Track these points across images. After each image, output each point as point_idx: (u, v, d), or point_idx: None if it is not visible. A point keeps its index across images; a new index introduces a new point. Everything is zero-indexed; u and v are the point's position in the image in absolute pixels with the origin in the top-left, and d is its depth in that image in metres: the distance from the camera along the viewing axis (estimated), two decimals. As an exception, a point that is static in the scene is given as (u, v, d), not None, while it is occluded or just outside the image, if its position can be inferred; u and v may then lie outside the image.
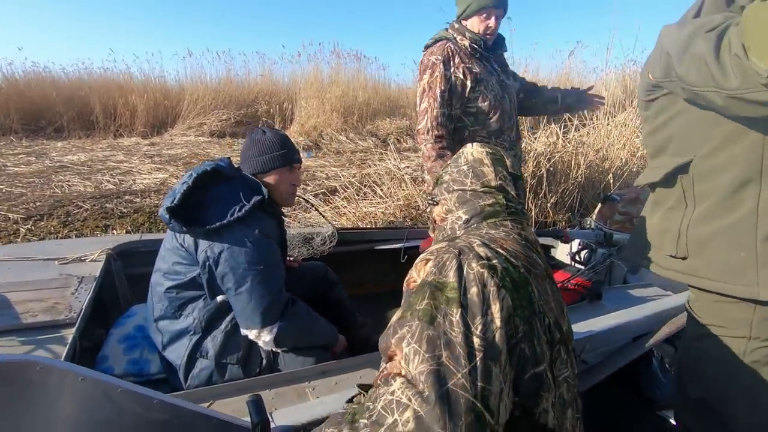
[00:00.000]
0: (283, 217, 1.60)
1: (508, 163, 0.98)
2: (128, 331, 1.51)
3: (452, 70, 1.77)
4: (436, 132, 1.78)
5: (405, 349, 0.64)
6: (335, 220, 3.54)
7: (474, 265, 0.70)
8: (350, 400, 0.84)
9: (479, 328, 0.64)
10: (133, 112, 8.12)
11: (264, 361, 1.37)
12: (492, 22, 1.75)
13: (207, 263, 1.27)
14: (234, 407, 1.01)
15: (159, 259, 1.42)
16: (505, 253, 0.75)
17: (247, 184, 1.39)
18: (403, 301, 0.79)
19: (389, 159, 4.44)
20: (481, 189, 0.92)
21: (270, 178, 1.43)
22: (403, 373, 0.63)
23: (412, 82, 9.88)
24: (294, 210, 3.81)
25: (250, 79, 9.30)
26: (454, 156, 1.02)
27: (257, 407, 0.73)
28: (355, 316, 1.89)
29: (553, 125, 3.89)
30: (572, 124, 4.07)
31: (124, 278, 1.97)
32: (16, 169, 5.08)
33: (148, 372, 1.40)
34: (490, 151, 0.97)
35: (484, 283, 0.68)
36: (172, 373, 1.35)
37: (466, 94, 1.79)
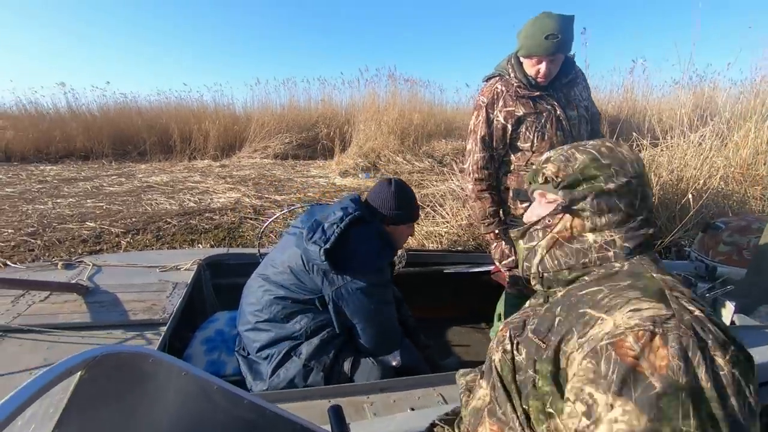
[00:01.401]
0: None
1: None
2: (210, 334, 1.68)
3: (495, 113, 1.79)
4: (476, 175, 1.85)
5: None
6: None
7: (721, 361, 0.54)
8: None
9: None
10: (206, 137, 8.83)
11: (342, 375, 1.47)
12: (543, 68, 1.67)
13: (340, 300, 1.41)
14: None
15: (270, 267, 1.54)
16: (713, 328, 0.57)
17: (383, 235, 1.52)
18: (605, 365, 0.58)
19: (452, 179, 4.49)
20: (645, 216, 0.74)
21: (400, 229, 1.59)
22: None
23: (466, 104, 10.00)
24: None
25: (311, 105, 9.84)
26: (610, 154, 0.76)
27: (337, 416, 0.74)
28: (419, 336, 1.95)
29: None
30: (644, 144, 3.93)
31: (211, 287, 2.17)
32: (111, 188, 5.67)
33: (224, 372, 1.54)
34: (643, 164, 0.77)
35: (739, 390, 0.52)
36: (254, 372, 1.46)
37: (508, 136, 1.79)
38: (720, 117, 4.50)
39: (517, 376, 0.70)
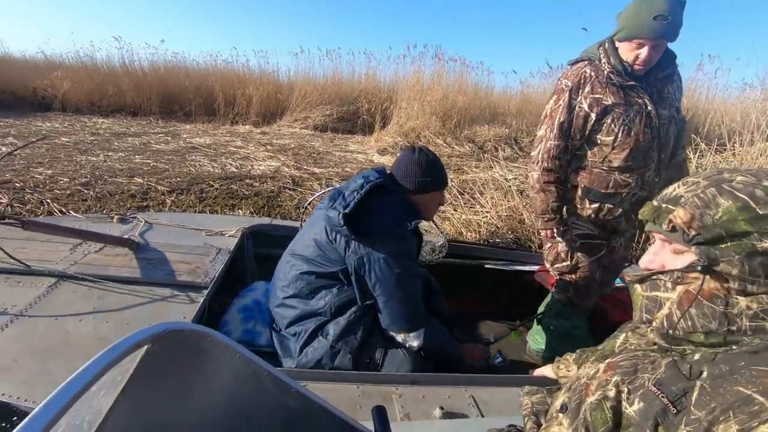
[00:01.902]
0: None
1: None
2: (248, 303, 1.69)
3: (579, 99, 1.64)
4: (546, 164, 1.71)
5: None
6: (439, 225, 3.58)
7: None
8: None
9: None
10: (249, 102, 8.93)
11: (370, 361, 1.45)
12: (644, 53, 1.53)
13: (362, 269, 1.38)
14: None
15: (299, 243, 1.54)
16: None
17: (407, 202, 1.48)
18: None
19: (496, 168, 4.37)
20: None
21: (426, 198, 1.52)
22: None
23: (514, 90, 9.63)
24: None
25: (354, 78, 9.72)
26: (760, 193, 0.59)
27: (381, 417, 0.73)
28: (452, 330, 1.89)
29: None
30: (709, 149, 3.68)
31: (253, 256, 2.21)
32: (157, 146, 5.85)
33: (258, 343, 1.55)
34: None
35: None
36: (284, 348, 1.47)
37: (588, 126, 1.65)
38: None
39: (613, 428, 0.62)
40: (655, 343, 0.71)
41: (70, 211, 3.13)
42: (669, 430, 0.57)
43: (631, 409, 0.62)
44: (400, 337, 1.47)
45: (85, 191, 3.71)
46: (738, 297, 0.60)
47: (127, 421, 0.61)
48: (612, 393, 0.64)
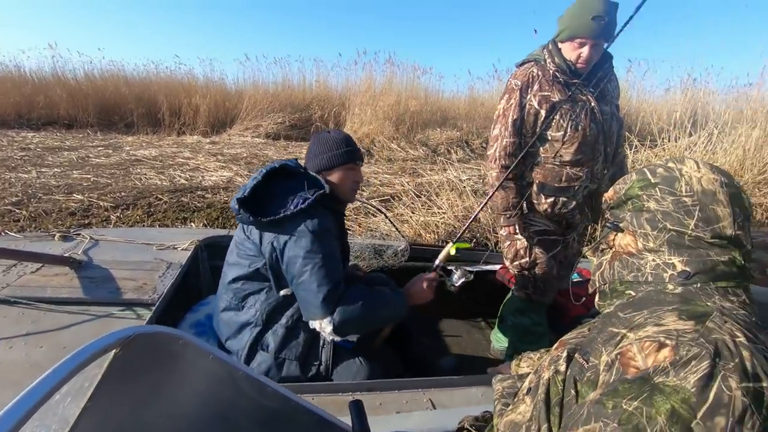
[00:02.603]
0: (344, 216, 1.63)
1: (746, 201, 0.69)
2: (200, 318, 1.63)
3: (528, 97, 1.70)
4: (503, 162, 1.75)
5: None
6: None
7: (733, 384, 0.49)
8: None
9: None
10: (196, 112, 8.58)
11: (322, 365, 1.39)
12: (585, 51, 1.63)
13: (273, 254, 1.32)
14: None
15: (228, 252, 1.49)
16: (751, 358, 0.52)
17: (310, 180, 1.43)
18: (612, 376, 0.58)
19: (450, 170, 4.48)
20: (711, 239, 0.66)
21: (334, 176, 1.46)
22: None
23: (463, 93, 9.94)
24: (358, 215, 3.93)
25: (305, 85, 9.64)
26: (664, 173, 0.72)
27: (358, 411, 0.73)
28: (411, 333, 1.84)
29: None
30: (643, 145, 3.98)
31: (208, 268, 2.13)
32: (97, 160, 5.49)
33: None
34: (725, 180, 0.68)
35: (740, 419, 0.47)
36: None
37: (539, 123, 1.71)
38: (714, 122, 4.58)
39: (564, 398, 0.67)
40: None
41: (5, 231, 2.87)
42: (582, 384, 0.64)
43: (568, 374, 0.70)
44: (316, 326, 1.32)
45: (17, 211, 3.43)
46: (645, 252, 0.72)
47: (97, 428, 0.60)
48: (562, 367, 0.69)
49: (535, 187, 1.81)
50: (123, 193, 4.08)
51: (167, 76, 9.26)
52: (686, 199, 0.68)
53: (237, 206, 1.34)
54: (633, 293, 0.71)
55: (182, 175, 5.02)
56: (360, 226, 3.78)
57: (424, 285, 1.48)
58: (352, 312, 1.30)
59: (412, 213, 3.86)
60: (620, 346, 0.59)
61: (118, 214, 3.60)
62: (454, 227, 3.69)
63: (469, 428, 0.80)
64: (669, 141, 3.99)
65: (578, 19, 1.59)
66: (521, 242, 1.86)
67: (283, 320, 1.38)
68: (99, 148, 6.29)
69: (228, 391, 0.72)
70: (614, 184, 0.79)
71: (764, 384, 0.49)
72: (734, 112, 5.26)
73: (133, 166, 5.32)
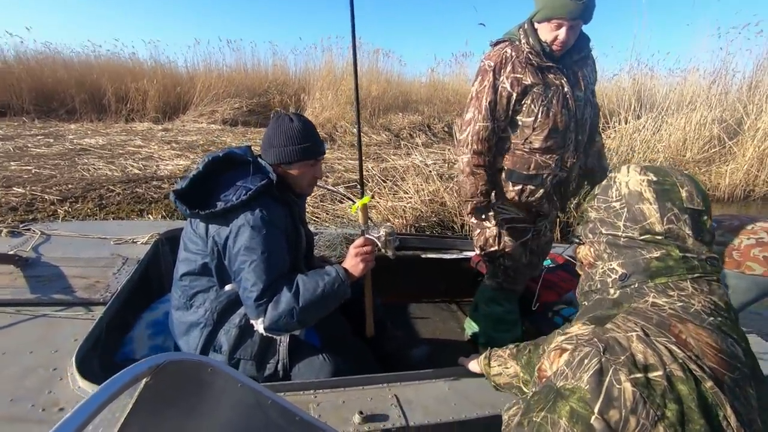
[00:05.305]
0: (301, 204, 1.55)
1: (684, 193, 0.68)
2: (158, 316, 1.54)
3: (501, 78, 1.63)
4: (475, 147, 1.67)
5: None
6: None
7: (623, 377, 0.51)
8: None
9: None
10: (145, 97, 8.11)
11: (279, 363, 1.33)
12: (562, 33, 1.55)
13: (215, 248, 1.27)
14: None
15: (180, 248, 1.41)
16: (681, 353, 0.54)
17: (258, 169, 1.34)
18: (530, 393, 0.61)
19: (415, 154, 4.50)
20: (641, 237, 0.68)
21: (293, 170, 1.39)
22: None
23: (425, 77, 9.95)
24: (323, 201, 3.88)
25: (261, 69, 9.30)
26: (604, 183, 0.77)
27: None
28: (386, 327, 1.74)
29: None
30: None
31: (171, 263, 2.04)
32: (38, 150, 5.08)
33: None
34: (654, 178, 0.70)
35: (633, 409, 0.49)
36: None
37: (511, 107, 1.64)
38: (659, 104, 4.87)
39: None
40: None
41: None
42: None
43: None
44: (255, 324, 1.26)
45: (-52, 207, 3.13)
46: (598, 261, 0.75)
47: None
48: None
49: (503, 174, 1.77)
50: (70, 185, 3.81)
51: (109, 59, 8.66)
52: (615, 203, 0.73)
53: (174, 198, 1.27)
54: (586, 303, 0.76)
55: (135, 164, 4.75)
56: (327, 213, 3.74)
57: (353, 253, 1.38)
58: (283, 309, 1.21)
59: (380, 198, 3.87)
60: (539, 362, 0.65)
61: (66, 207, 3.36)
62: (421, 211, 3.73)
63: None
64: (620, 124, 4.21)
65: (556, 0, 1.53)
66: (490, 230, 1.83)
67: (237, 319, 1.32)
68: (38, 137, 5.82)
69: (257, 419, 0.72)
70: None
71: (658, 373, 0.51)
72: (676, 95, 5.62)
73: (79, 155, 4.97)
